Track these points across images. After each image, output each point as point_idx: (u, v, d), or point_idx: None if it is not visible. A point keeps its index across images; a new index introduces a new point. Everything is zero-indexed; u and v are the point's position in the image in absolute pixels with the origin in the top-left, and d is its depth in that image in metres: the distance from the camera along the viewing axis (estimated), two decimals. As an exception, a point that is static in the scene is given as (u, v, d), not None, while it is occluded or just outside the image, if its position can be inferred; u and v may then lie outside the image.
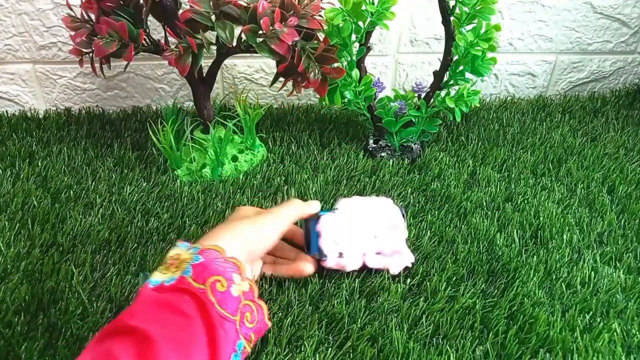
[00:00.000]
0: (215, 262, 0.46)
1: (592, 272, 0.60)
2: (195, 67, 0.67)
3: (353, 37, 0.76)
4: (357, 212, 0.60)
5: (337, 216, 0.59)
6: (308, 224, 0.59)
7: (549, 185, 0.77)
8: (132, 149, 0.84)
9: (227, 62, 0.94)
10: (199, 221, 0.68)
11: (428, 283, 0.58)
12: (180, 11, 0.74)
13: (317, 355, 0.50)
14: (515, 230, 0.67)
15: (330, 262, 0.57)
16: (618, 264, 0.62)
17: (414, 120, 0.81)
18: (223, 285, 0.45)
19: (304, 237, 0.60)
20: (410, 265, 0.60)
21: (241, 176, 0.77)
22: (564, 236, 0.66)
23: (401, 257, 0.59)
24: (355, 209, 0.60)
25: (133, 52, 0.66)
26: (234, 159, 0.79)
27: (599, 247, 0.65)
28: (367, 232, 0.59)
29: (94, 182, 0.75)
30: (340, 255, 0.57)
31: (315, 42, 0.72)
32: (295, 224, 0.60)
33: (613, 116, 0.97)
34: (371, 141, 0.85)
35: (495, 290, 0.58)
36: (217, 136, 0.78)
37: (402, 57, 0.99)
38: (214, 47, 0.69)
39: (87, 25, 0.69)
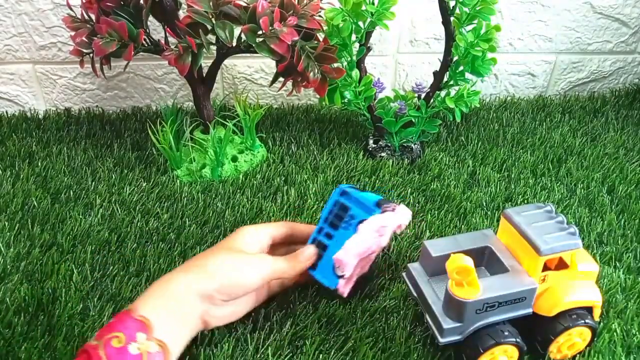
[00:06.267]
0: (122, 321, 0.44)
1: (592, 272, 0.60)
2: (195, 66, 0.67)
3: (353, 37, 0.76)
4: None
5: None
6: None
7: (549, 185, 0.77)
8: (132, 149, 0.84)
9: (227, 62, 0.94)
10: (198, 221, 0.68)
11: (428, 283, 0.58)
12: (181, 11, 0.74)
13: (318, 355, 0.50)
14: (515, 230, 0.67)
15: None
16: (618, 264, 0.62)
17: (413, 120, 0.81)
18: (120, 342, 0.43)
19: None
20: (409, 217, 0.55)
21: (241, 176, 0.77)
22: (564, 236, 0.66)
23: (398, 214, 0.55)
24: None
25: (133, 52, 0.66)
26: (234, 159, 0.79)
27: (599, 247, 0.65)
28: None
29: (93, 183, 0.75)
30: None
31: (315, 42, 0.72)
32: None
33: (613, 116, 0.97)
34: (371, 141, 0.85)
35: (495, 290, 0.58)
36: (217, 136, 0.78)
37: (402, 57, 0.99)
38: (213, 47, 0.69)
39: (87, 26, 0.69)
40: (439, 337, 0.47)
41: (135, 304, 0.46)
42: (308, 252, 0.54)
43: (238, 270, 0.49)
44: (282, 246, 0.58)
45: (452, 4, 0.73)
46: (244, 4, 0.67)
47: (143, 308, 0.45)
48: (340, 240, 0.54)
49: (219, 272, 0.48)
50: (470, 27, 0.74)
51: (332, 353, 0.50)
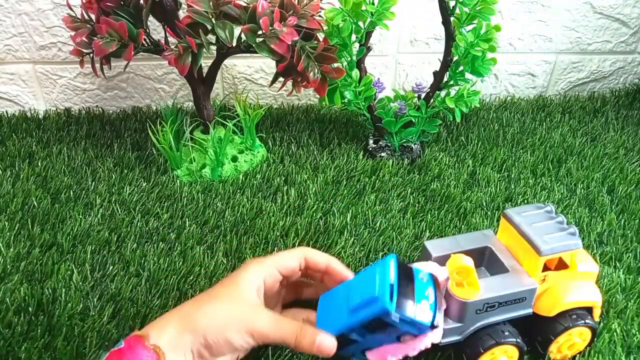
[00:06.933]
0: (132, 348, 0.42)
1: (592, 272, 0.60)
2: (195, 66, 0.67)
3: (353, 37, 0.76)
4: None
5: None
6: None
7: (549, 185, 0.77)
8: (132, 149, 0.84)
9: (227, 62, 0.94)
10: (198, 221, 0.68)
11: (428, 283, 0.58)
12: (181, 11, 0.74)
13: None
14: (515, 230, 0.67)
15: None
16: (618, 264, 0.62)
17: (413, 120, 0.81)
18: None
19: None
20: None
21: (241, 176, 0.77)
22: (564, 236, 0.66)
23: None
24: None
25: (133, 52, 0.66)
26: (234, 159, 0.79)
27: (598, 247, 0.65)
28: None
29: (93, 182, 0.75)
30: None
31: (315, 42, 0.72)
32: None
33: (613, 116, 0.97)
34: (371, 141, 0.85)
35: (495, 290, 0.58)
36: (217, 136, 0.78)
37: (402, 57, 0.99)
38: (213, 47, 0.69)
39: (88, 26, 0.69)
40: None
41: (146, 329, 0.44)
42: (326, 345, 0.46)
43: (224, 330, 0.44)
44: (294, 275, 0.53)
45: (452, 4, 0.73)
46: (244, 4, 0.67)
47: (155, 336, 0.43)
48: (375, 341, 0.46)
49: (205, 328, 0.44)
50: (470, 27, 0.74)
51: (332, 353, 0.50)
